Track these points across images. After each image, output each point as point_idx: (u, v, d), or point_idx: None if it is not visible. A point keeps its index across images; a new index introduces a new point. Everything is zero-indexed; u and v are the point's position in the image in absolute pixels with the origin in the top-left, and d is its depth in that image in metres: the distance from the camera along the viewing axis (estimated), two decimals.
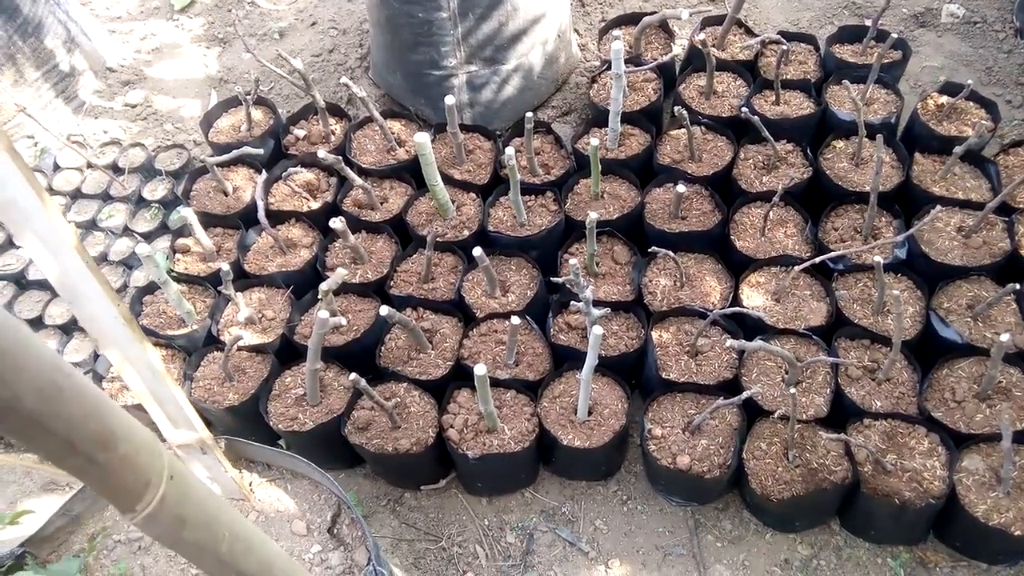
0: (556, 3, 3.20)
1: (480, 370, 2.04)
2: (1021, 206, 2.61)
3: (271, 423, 2.35)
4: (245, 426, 2.45)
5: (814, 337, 2.39)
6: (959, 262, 2.48)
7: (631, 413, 2.36)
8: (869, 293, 2.50)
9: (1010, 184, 2.54)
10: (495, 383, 2.38)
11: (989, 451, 2.16)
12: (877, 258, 2.27)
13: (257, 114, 3.13)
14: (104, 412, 0.73)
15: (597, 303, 2.41)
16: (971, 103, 2.88)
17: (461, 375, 2.44)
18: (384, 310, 2.29)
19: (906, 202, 2.65)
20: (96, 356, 2.71)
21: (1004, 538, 2.03)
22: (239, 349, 2.46)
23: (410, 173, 2.91)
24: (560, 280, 2.39)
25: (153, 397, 1.65)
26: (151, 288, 2.71)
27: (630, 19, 3.29)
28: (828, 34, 3.21)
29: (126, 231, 3.05)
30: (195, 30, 3.95)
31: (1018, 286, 2.31)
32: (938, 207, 2.39)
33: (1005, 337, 2.07)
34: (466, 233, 2.73)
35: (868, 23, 3.27)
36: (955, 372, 2.31)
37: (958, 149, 2.60)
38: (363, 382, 2.16)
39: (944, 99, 2.90)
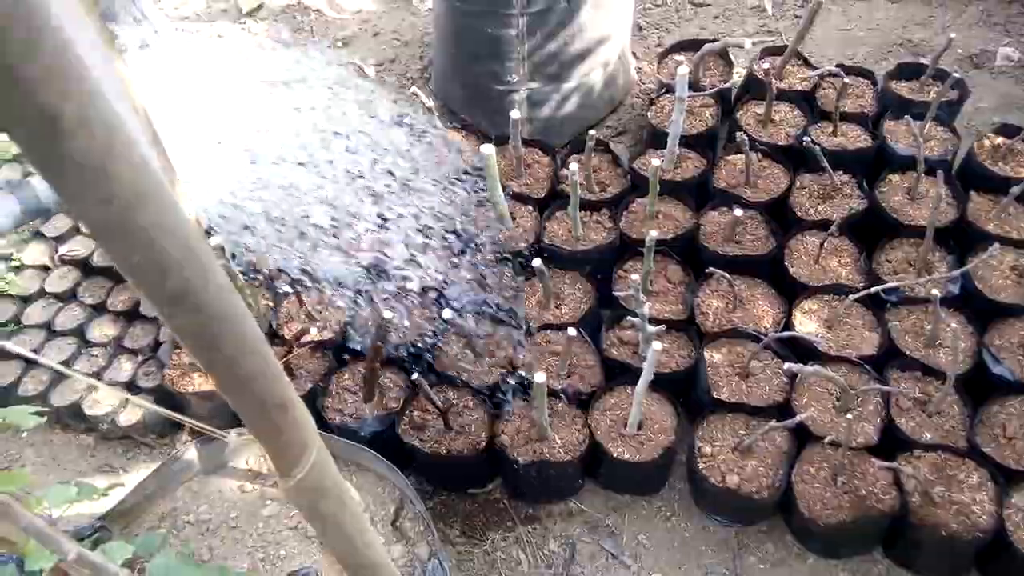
0: (619, 25, 3.27)
1: (540, 377, 2.09)
2: None
3: (326, 419, 2.42)
4: None
5: (865, 366, 2.42)
6: (1013, 300, 2.50)
7: (680, 430, 2.40)
8: (921, 326, 2.52)
9: None
10: (548, 392, 2.42)
11: None
12: (935, 291, 2.31)
13: None
14: (282, 376, 0.80)
15: (651, 320, 2.46)
16: None
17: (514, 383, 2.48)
18: (447, 312, 2.35)
19: (960, 238, 2.68)
20: (158, 344, 2.80)
21: None
22: (301, 345, 2.53)
23: None
24: (619, 295, 2.44)
25: None
26: None
27: (689, 45, 3.36)
28: (883, 70, 3.25)
29: None
30: (260, 34, 4.07)
31: None
32: (996, 245, 2.41)
33: None
34: (523, 245, 2.79)
35: (923, 61, 3.32)
36: (1006, 409, 2.33)
37: (1015, 189, 2.62)
38: (423, 382, 2.22)
39: (1000, 140, 2.93)
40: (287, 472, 0.88)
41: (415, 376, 2.22)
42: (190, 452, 1.93)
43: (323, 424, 2.42)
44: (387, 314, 2.22)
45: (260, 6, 4.15)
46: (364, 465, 1.97)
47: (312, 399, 2.45)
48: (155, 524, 1.84)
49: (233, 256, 2.85)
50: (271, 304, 2.73)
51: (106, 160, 0.53)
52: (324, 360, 2.56)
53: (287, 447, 0.87)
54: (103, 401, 2.64)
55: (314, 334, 2.56)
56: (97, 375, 2.69)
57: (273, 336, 2.64)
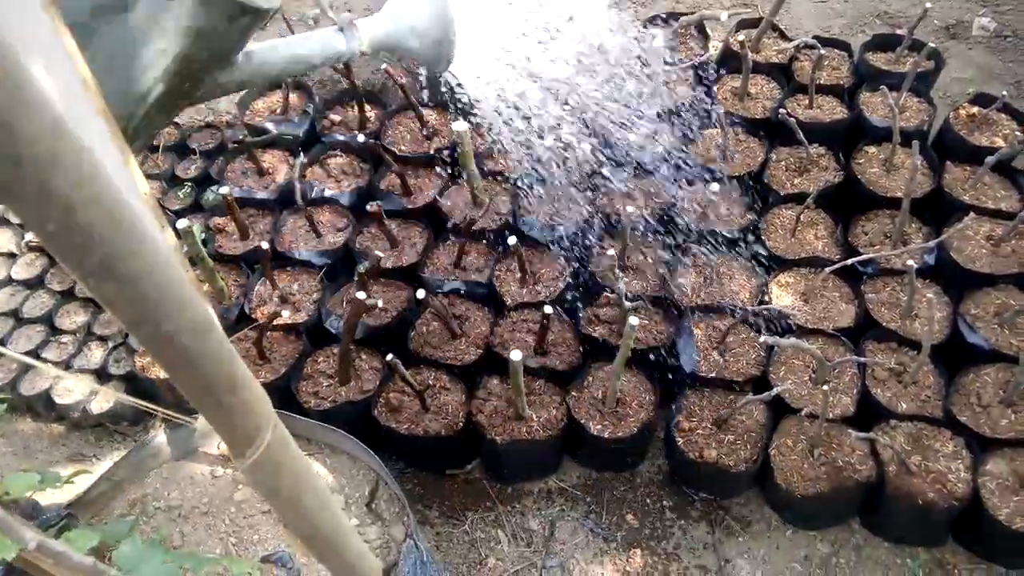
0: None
1: (516, 355, 2.07)
2: None
3: (301, 402, 2.39)
4: (275, 406, 2.47)
5: (842, 338, 2.42)
6: (987, 270, 2.51)
7: (658, 405, 2.39)
8: (897, 297, 2.52)
9: None
10: (525, 371, 2.41)
11: (1013, 456, 2.18)
12: (910, 262, 2.30)
13: (293, 98, 3.16)
14: (234, 358, 0.77)
15: (628, 296, 2.44)
16: (1003, 115, 2.91)
17: (491, 362, 2.46)
18: (421, 293, 2.32)
19: (936, 209, 2.68)
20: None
21: None
22: (272, 329, 2.49)
23: (445, 162, 2.94)
24: (596, 271, 2.42)
25: None
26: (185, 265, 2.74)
27: (666, 18, 3.32)
28: (860, 42, 3.23)
29: (160, 208, 3.07)
30: None
31: None
32: (971, 215, 2.41)
33: None
34: (499, 223, 2.76)
35: (899, 32, 3.30)
36: (981, 378, 2.34)
37: (990, 159, 2.62)
38: (399, 364, 2.19)
39: (976, 110, 2.93)
40: (241, 453, 0.85)
41: (390, 357, 2.20)
42: (159, 438, 1.90)
43: (299, 408, 2.39)
44: (360, 295, 2.19)
45: None
46: (338, 447, 1.95)
47: (287, 383, 2.42)
48: (125, 512, 1.81)
49: (204, 242, 2.81)
50: (242, 286, 2.68)
51: (11, 116, 0.50)
52: (299, 343, 2.53)
53: (239, 428, 0.84)
54: (73, 389, 2.59)
55: (286, 316, 2.52)
56: (67, 363, 2.64)
57: (245, 319, 2.60)
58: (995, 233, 2.59)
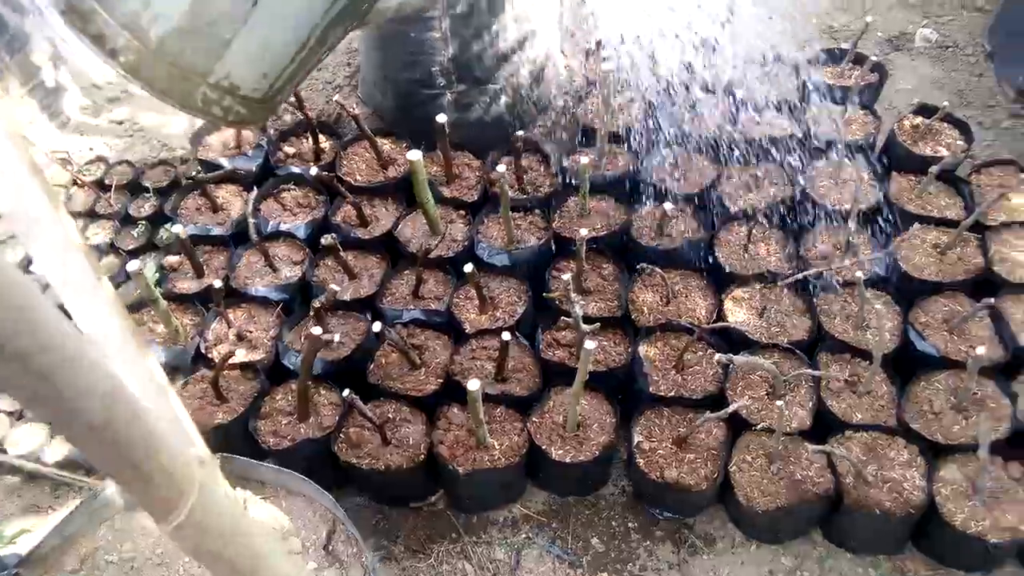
0: (544, 24, 3.26)
1: (473, 385, 2.07)
2: (993, 224, 2.69)
3: (260, 441, 2.36)
4: (234, 445, 2.44)
5: (797, 351, 2.45)
6: (935, 278, 2.56)
7: (619, 427, 2.40)
8: (850, 308, 2.56)
9: (983, 203, 2.63)
10: (485, 398, 2.41)
11: (966, 461, 2.22)
12: (858, 274, 2.34)
13: (247, 131, 3.15)
14: (148, 419, 0.76)
15: (586, 319, 2.45)
16: (945, 124, 2.98)
17: (452, 391, 2.46)
18: (376, 326, 2.32)
19: (884, 219, 2.73)
20: None
21: (980, 546, 2.09)
22: (229, 367, 2.47)
23: (400, 191, 2.94)
24: (551, 296, 2.43)
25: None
26: (139, 306, 2.71)
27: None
28: (806, 57, 3.30)
29: (112, 248, 3.04)
30: None
31: (992, 301, 2.39)
32: (916, 224, 2.46)
33: (981, 350, 2.15)
34: (456, 250, 2.76)
35: (844, 46, 3.37)
36: (932, 385, 2.38)
37: (934, 169, 2.69)
38: (356, 399, 2.18)
39: (919, 120, 3.00)
40: (162, 518, 0.84)
41: (346, 393, 2.18)
42: (111, 489, 1.86)
43: (258, 448, 2.37)
44: (316, 330, 2.18)
45: None
46: (293, 489, 1.93)
47: (245, 422, 2.39)
48: (76, 567, 1.78)
49: (158, 282, 2.78)
50: (198, 326, 2.65)
51: None
52: (256, 381, 2.50)
53: (159, 494, 0.83)
54: (25, 440, 2.54)
55: (242, 356, 2.50)
56: (19, 413, 2.59)
57: (202, 358, 2.57)
58: (941, 241, 2.65)
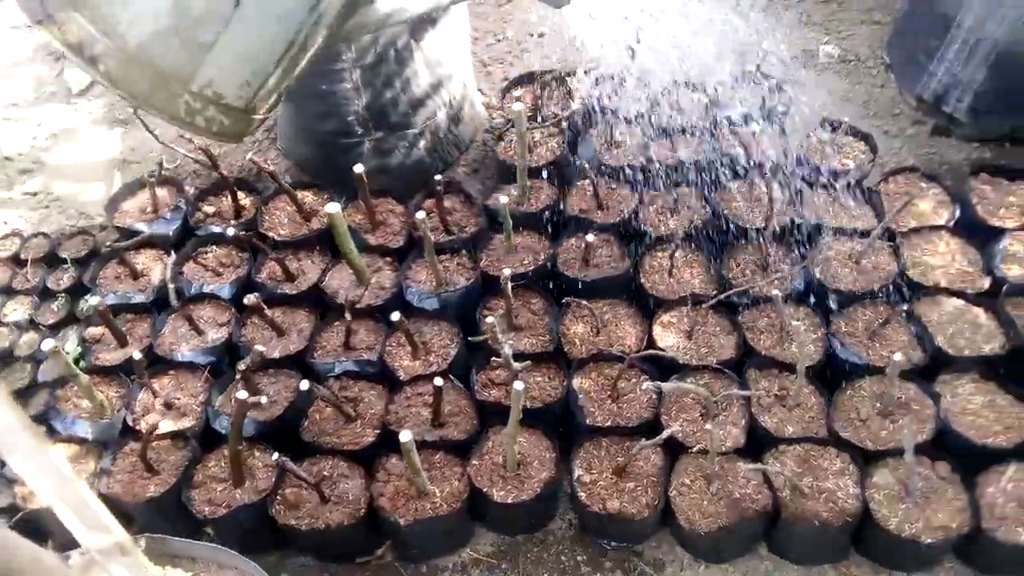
0: (458, 65, 3.30)
1: (405, 436, 2.05)
2: (903, 230, 2.80)
3: (195, 511, 2.29)
4: (168, 517, 2.37)
5: (726, 371, 2.49)
6: (852, 287, 2.64)
7: (559, 462, 2.40)
8: (773, 324, 2.62)
9: (892, 211, 2.73)
10: (423, 445, 2.39)
11: (896, 465, 2.27)
12: (775, 292, 2.40)
13: (163, 194, 3.10)
14: (9, 547, 0.73)
15: (518, 356, 2.46)
16: (850, 137, 3.10)
17: (389, 441, 2.43)
18: (304, 384, 2.28)
19: (800, 235, 2.81)
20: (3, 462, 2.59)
21: (917, 547, 2.14)
22: (158, 437, 2.40)
23: (325, 242, 2.92)
24: (479, 339, 2.43)
25: (64, 502, 1.59)
26: (63, 381, 2.62)
27: (529, 78, 3.42)
28: (715, 81, 3.40)
29: (32, 324, 2.95)
30: (94, 112, 3.89)
31: (907, 306, 2.47)
32: (827, 238, 2.54)
33: (899, 356, 2.21)
34: (385, 298, 2.75)
35: (750, 68, 3.49)
36: (858, 392, 2.44)
37: (842, 181, 2.79)
38: (288, 462, 2.14)
39: (825, 135, 3.11)
40: None
41: (276, 456, 2.14)
42: None
43: (193, 518, 2.30)
44: (242, 394, 2.14)
45: (91, 84, 3.98)
46: (225, 563, 1.87)
47: (178, 493, 2.33)
48: None
49: (82, 355, 2.70)
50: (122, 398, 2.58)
51: None
52: (187, 449, 2.44)
53: None
54: None
55: (168, 425, 2.43)
56: None
57: (130, 431, 2.49)
58: (855, 251, 2.74)
